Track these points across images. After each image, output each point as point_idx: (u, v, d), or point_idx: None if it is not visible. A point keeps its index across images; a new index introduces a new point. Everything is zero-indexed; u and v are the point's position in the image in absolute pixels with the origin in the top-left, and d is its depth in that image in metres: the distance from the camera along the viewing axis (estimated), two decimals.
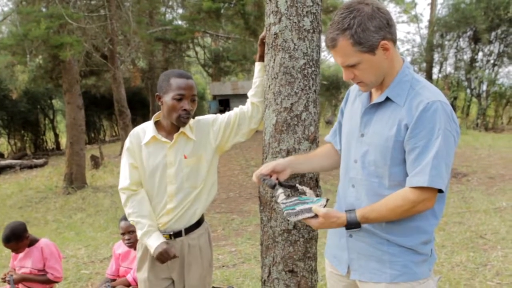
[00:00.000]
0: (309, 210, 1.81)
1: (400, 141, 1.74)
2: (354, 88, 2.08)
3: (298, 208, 1.84)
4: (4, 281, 3.62)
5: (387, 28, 1.72)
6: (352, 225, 1.79)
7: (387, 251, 1.84)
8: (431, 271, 1.89)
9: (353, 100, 2.05)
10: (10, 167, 17.00)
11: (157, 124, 2.56)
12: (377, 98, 1.85)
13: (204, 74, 34.54)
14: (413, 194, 1.70)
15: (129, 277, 3.53)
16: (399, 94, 1.78)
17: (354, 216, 1.79)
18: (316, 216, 1.80)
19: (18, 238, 3.58)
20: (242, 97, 24.89)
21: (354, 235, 1.93)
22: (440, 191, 1.71)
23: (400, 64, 1.83)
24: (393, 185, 1.80)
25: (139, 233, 2.48)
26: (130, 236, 3.48)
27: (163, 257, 2.41)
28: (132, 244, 3.49)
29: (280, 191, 1.97)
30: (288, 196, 1.97)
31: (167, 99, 2.42)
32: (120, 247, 3.74)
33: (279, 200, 1.93)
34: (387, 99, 1.81)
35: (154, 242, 2.43)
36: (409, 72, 1.82)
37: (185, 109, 2.41)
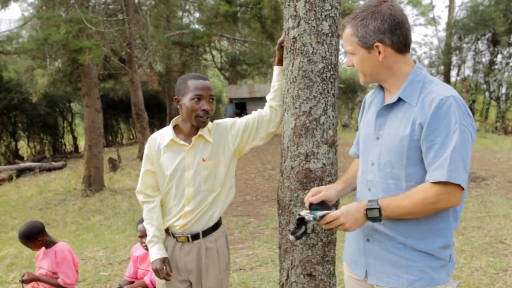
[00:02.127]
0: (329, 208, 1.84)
1: (415, 140, 1.75)
2: (368, 98, 2.10)
3: (319, 213, 1.85)
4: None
5: (387, 33, 1.77)
6: (372, 206, 1.77)
7: (404, 256, 1.83)
8: (450, 276, 1.87)
9: (368, 107, 2.07)
10: (29, 169, 17.24)
11: (175, 128, 2.59)
12: (389, 99, 1.87)
13: (221, 78, 34.69)
14: (434, 189, 1.68)
15: (147, 280, 3.56)
16: (412, 94, 1.79)
17: (375, 201, 1.78)
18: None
19: (28, 238, 3.64)
20: (258, 101, 24.98)
21: (372, 240, 1.92)
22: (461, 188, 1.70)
23: (410, 67, 1.85)
24: (410, 186, 1.79)
25: (147, 239, 2.59)
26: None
27: (157, 273, 2.50)
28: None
29: (304, 212, 1.96)
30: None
31: (186, 101, 2.45)
32: (138, 249, 3.77)
33: (303, 213, 1.93)
34: (400, 100, 1.83)
35: (153, 254, 2.53)
36: (421, 73, 1.84)
37: (203, 109, 2.43)
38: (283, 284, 2.56)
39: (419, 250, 1.81)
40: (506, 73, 22.14)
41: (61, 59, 13.46)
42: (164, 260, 2.51)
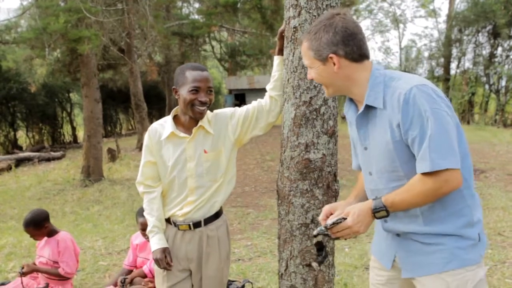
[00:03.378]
0: (337, 217, 1.82)
1: (398, 141, 1.75)
2: (344, 111, 2.11)
3: (329, 220, 1.83)
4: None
5: (340, 44, 1.79)
6: (378, 208, 1.77)
7: (432, 242, 1.82)
8: (482, 257, 1.84)
9: (349, 123, 2.06)
10: (28, 159, 17.22)
11: (175, 119, 2.57)
12: (359, 109, 1.88)
13: (220, 69, 34.62)
14: (430, 179, 1.68)
15: (145, 269, 3.56)
16: (376, 97, 1.80)
17: (379, 200, 1.78)
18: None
19: (36, 225, 3.63)
20: (258, 92, 24.91)
21: (402, 234, 1.92)
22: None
23: (367, 73, 1.85)
24: None
25: (148, 229, 2.60)
26: None
27: (157, 263, 2.52)
28: None
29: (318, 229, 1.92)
30: None
31: (183, 92, 2.43)
32: (138, 237, 3.77)
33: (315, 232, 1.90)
34: (368, 107, 1.83)
35: (154, 244, 2.54)
36: (379, 73, 1.84)
37: (201, 101, 2.42)
38: (282, 274, 2.56)
39: (444, 234, 1.80)
40: (506, 66, 22.10)
41: (60, 48, 13.39)
42: (164, 250, 2.51)
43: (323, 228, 1.83)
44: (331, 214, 1.96)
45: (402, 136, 1.74)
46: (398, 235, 1.94)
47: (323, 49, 1.81)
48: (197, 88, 2.41)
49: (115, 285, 3.60)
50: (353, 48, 1.81)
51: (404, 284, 2.00)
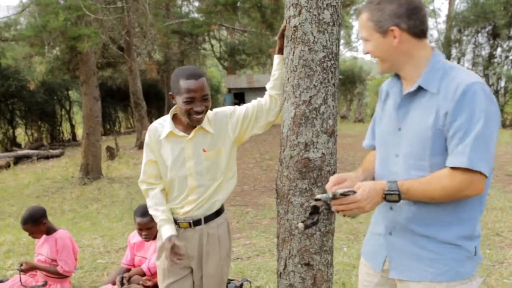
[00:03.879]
0: (352, 189, 1.75)
1: (439, 129, 1.70)
2: (384, 88, 2.06)
3: (339, 190, 1.76)
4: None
5: (404, 17, 1.74)
6: (391, 191, 1.72)
7: (427, 247, 1.79)
8: (475, 271, 1.81)
9: (385, 98, 2.02)
10: (27, 157, 17.21)
11: (174, 117, 2.57)
12: (409, 88, 1.83)
13: (220, 67, 34.60)
14: (457, 176, 1.65)
15: (144, 267, 3.56)
16: (431, 81, 1.75)
17: (395, 184, 1.73)
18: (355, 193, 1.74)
19: (34, 221, 3.63)
20: (257, 91, 24.90)
21: (394, 233, 1.89)
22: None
23: (428, 53, 1.81)
24: None
25: (158, 224, 2.57)
26: (147, 232, 3.52)
27: (173, 249, 2.45)
28: (150, 239, 3.54)
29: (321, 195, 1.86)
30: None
31: (179, 101, 2.42)
32: (135, 236, 3.77)
33: (319, 196, 1.84)
34: (420, 88, 1.78)
35: (166, 232, 2.49)
36: (441, 59, 1.79)
37: (196, 111, 2.40)
38: (280, 273, 2.56)
39: (441, 241, 1.76)
40: (506, 67, 22.14)
41: (60, 46, 13.37)
42: (170, 238, 2.45)
43: (330, 196, 1.76)
44: (338, 184, 1.91)
45: (444, 126, 1.69)
46: (390, 233, 1.90)
47: (385, 21, 1.76)
48: (191, 98, 2.38)
49: (114, 283, 3.60)
50: (416, 22, 1.75)
51: None
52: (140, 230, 3.55)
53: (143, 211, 3.48)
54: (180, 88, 2.40)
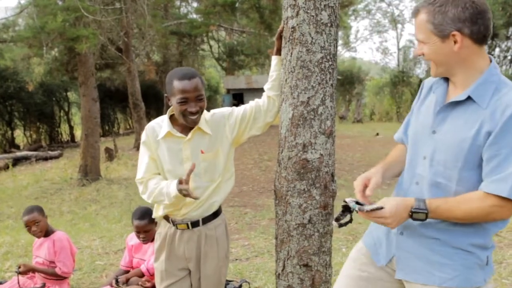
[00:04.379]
0: (376, 204, 1.73)
1: (478, 145, 1.64)
2: (427, 83, 1.97)
3: (367, 207, 1.75)
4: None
5: (468, 22, 1.63)
6: (419, 209, 1.67)
7: (437, 251, 1.75)
8: (486, 281, 1.76)
9: (426, 95, 1.94)
10: (25, 158, 17.20)
11: (172, 118, 2.55)
12: (457, 96, 1.74)
13: (218, 68, 34.56)
14: (490, 201, 1.60)
15: (143, 268, 3.56)
16: (483, 95, 1.66)
17: (423, 202, 1.68)
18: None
19: (40, 210, 3.67)
20: (256, 91, 24.87)
21: (405, 233, 1.84)
22: None
23: (486, 64, 1.72)
24: (459, 191, 1.70)
25: (166, 202, 2.42)
26: (145, 234, 3.51)
27: (183, 189, 2.29)
28: (147, 241, 3.54)
29: (349, 199, 1.85)
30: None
31: (174, 102, 2.40)
32: (133, 238, 3.76)
33: (347, 200, 1.83)
34: (469, 98, 1.69)
35: (173, 189, 2.34)
36: (497, 72, 1.71)
37: (191, 111, 2.38)
38: (279, 274, 2.56)
39: (453, 246, 1.72)
40: (504, 67, 22.19)
41: (58, 47, 13.40)
42: (177, 183, 2.34)
43: (356, 209, 1.74)
44: (366, 185, 1.87)
45: (484, 144, 1.62)
46: (402, 233, 1.86)
47: (447, 25, 1.64)
48: (185, 99, 2.36)
49: (112, 285, 3.60)
50: (480, 27, 1.65)
51: None
52: (138, 232, 3.54)
53: (141, 214, 3.47)
54: (173, 89, 2.39)
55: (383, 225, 1.74)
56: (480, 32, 1.66)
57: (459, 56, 1.69)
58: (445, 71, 1.76)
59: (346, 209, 1.83)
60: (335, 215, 1.88)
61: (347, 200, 1.82)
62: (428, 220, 1.72)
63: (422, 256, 1.79)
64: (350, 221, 1.87)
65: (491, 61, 1.75)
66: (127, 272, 3.71)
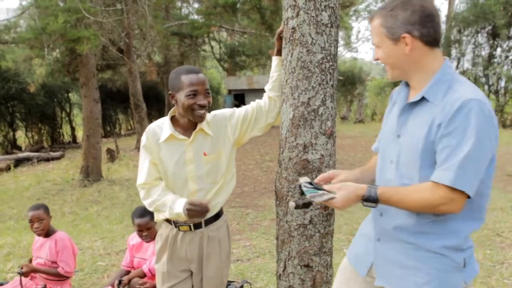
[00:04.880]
0: (330, 192, 1.77)
1: (431, 141, 1.68)
2: (394, 93, 2.03)
3: (320, 192, 1.79)
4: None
5: (417, 24, 1.70)
6: (370, 198, 1.72)
7: (412, 256, 1.77)
8: (466, 284, 1.76)
9: (392, 104, 1.99)
10: (27, 159, 17.20)
11: (173, 120, 2.54)
12: (413, 97, 1.80)
13: (220, 69, 34.57)
14: (440, 192, 1.62)
15: (145, 268, 3.56)
16: (436, 93, 1.72)
17: (374, 190, 1.73)
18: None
19: (46, 209, 3.71)
20: (257, 92, 24.88)
21: (382, 239, 1.87)
22: (468, 197, 1.63)
23: (438, 63, 1.77)
24: None
25: (166, 212, 2.40)
26: (147, 232, 3.51)
27: (192, 211, 2.28)
28: (150, 239, 3.54)
29: (304, 180, 1.91)
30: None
31: (181, 97, 2.39)
32: (134, 238, 3.77)
33: (301, 180, 1.89)
34: (423, 98, 1.75)
35: (179, 206, 2.33)
36: (450, 71, 1.76)
37: (200, 104, 2.39)
38: (280, 275, 2.56)
39: (427, 250, 1.74)
40: (506, 67, 22.13)
41: (59, 49, 13.39)
42: (186, 203, 2.32)
43: (308, 196, 1.81)
44: (330, 178, 1.95)
45: (435, 139, 1.66)
46: (379, 240, 1.89)
47: (398, 28, 1.72)
48: (194, 92, 2.37)
49: (113, 285, 3.60)
50: (429, 30, 1.72)
51: None
52: (140, 231, 3.54)
53: (141, 212, 3.48)
54: (182, 83, 2.38)
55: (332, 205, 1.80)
56: (430, 35, 1.73)
57: (410, 58, 1.76)
58: (400, 74, 1.84)
59: (302, 191, 1.88)
60: (294, 199, 1.91)
61: (301, 180, 1.87)
62: (401, 222, 1.78)
63: (398, 261, 1.81)
64: (308, 204, 1.90)
65: (445, 60, 1.80)
66: (129, 272, 3.71)
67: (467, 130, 1.60)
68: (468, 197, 1.63)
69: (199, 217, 2.35)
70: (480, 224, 1.78)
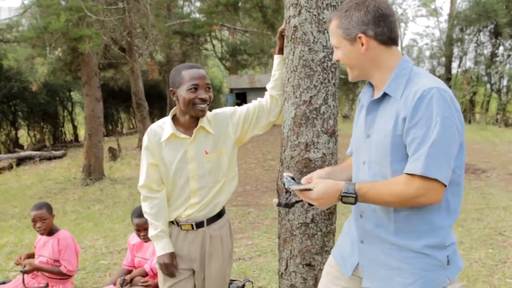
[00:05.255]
0: (306, 185, 1.81)
1: (399, 135, 1.69)
2: (360, 95, 2.03)
3: (297, 184, 1.84)
4: (18, 264, 3.71)
5: (371, 24, 1.74)
6: (348, 193, 1.72)
7: (396, 256, 1.77)
8: (450, 280, 1.77)
9: (360, 107, 2.01)
10: (29, 158, 17.23)
11: (174, 119, 2.54)
12: (376, 95, 1.83)
13: (221, 68, 34.59)
14: (415, 183, 1.62)
15: (147, 267, 3.56)
16: (396, 88, 1.74)
17: (352, 186, 1.73)
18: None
19: (48, 208, 3.70)
20: (259, 91, 24.91)
21: (365, 241, 1.88)
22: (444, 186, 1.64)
23: (396, 60, 1.80)
24: None
25: (150, 232, 2.55)
26: (146, 232, 3.51)
27: (162, 269, 2.51)
28: (148, 239, 3.54)
29: (286, 174, 1.95)
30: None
31: (182, 92, 2.39)
32: (134, 238, 3.77)
33: (284, 174, 1.93)
34: (386, 95, 1.78)
35: (160, 249, 2.51)
36: (408, 65, 1.79)
37: (201, 98, 2.39)
38: (282, 273, 2.56)
39: (410, 250, 1.74)
40: (508, 65, 22.11)
41: (61, 47, 13.40)
42: (171, 255, 2.50)
43: (287, 185, 1.84)
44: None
45: (403, 132, 1.68)
46: (362, 241, 1.89)
47: (353, 28, 1.76)
48: (196, 85, 2.38)
49: (115, 284, 3.60)
50: (383, 29, 1.75)
51: None
52: (138, 231, 3.54)
53: (141, 212, 3.47)
54: (183, 78, 2.40)
55: (313, 204, 1.82)
56: (384, 34, 1.76)
57: (367, 57, 1.79)
58: (359, 74, 1.87)
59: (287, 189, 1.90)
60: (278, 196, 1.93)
61: (284, 174, 1.89)
62: (380, 221, 1.79)
63: (383, 263, 1.82)
64: (290, 204, 1.93)
65: (403, 55, 1.83)
66: (130, 271, 3.72)
67: (431, 118, 1.61)
68: (444, 186, 1.64)
69: (165, 272, 2.53)
70: (456, 216, 1.79)
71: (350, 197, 1.72)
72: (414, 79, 1.73)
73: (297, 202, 1.96)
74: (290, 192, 1.90)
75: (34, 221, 3.66)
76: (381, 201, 1.72)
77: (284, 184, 1.92)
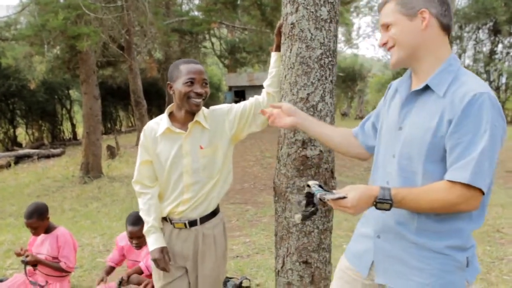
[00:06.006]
0: (339, 193, 1.67)
1: (441, 136, 1.61)
2: (393, 85, 1.97)
3: (330, 193, 1.70)
4: (19, 255, 3.70)
5: (435, 3, 1.68)
6: (384, 199, 1.62)
7: (416, 255, 1.72)
8: (469, 283, 1.72)
9: (392, 96, 1.93)
10: (28, 156, 17.24)
11: (171, 115, 2.54)
12: (417, 86, 1.74)
13: (220, 65, 34.57)
14: (456, 190, 1.57)
15: (142, 265, 3.56)
16: (440, 83, 1.66)
17: (388, 192, 1.64)
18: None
19: (39, 215, 3.63)
20: (257, 88, 24.86)
21: (382, 236, 1.82)
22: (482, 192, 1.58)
23: (446, 54, 1.72)
24: (426, 184, 1.66)
25: (144, 228, 2.56)
26: (138, 240, 3.51)
27: (156, 263, 2.49)
28: (139, 247, 3.55)
29: (313, 182, 1.81)
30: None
31: (178, 85, 2.39)
32: (124, 239, 3.76)
33: (310, 183, 1.79)
34: (427, 87, 1.69)
35: (152, 244, 2.50)
36: (456, 64, 1.71)
37: (196, 92, 2.38)
38: (278, 271, 2.56)
39: (430, 250, 1.69)
40: (507, 63, 22.15)
41: (59, 45, 13.38)
42: (163, 250, 2.48)
43: (318, 196, 1.68)
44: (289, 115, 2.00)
45: (446, 134, 1.60)
46: (379, 236, 1.84)
47: (416, 2, 1.68)
48: (192, 79, 2.37)
49: (100, 282, 3.63)
50: (445, 12, 1.70)
51: None
52: (131, 238, 3.54)
53: (134, 219, 3.47)
54: (180, 72, 2.40)
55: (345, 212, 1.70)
56: (446, 17, 1.71)
57: (424, 36, 1.70)
58: (407, 55, 1.75)
59: (310, 197, 1.77)
60: (300, 210, 1.83)
61: (310, 183, 1.77)
62: (403, 218, 1.72)
63: (399, 258, 1.77)
64: (315, 212, 1.79)
65: (452, 53, 1.77)
66: (113, 268, 3.78)
67: (480, 125, 1.54)
68: (483, 193, 1.58)
69: (159, 266, 2.50)
70: (481, 222, 1.73)
71: (386, 204, 1.63)
72: (462, 78, 1.65)
73: (317, 210, 1.81)
74: (314, 204, 1.76)
75: (27, 227, 3.67)
76: (417, 207, 1.65)
77: (307, 194, 1.79)
